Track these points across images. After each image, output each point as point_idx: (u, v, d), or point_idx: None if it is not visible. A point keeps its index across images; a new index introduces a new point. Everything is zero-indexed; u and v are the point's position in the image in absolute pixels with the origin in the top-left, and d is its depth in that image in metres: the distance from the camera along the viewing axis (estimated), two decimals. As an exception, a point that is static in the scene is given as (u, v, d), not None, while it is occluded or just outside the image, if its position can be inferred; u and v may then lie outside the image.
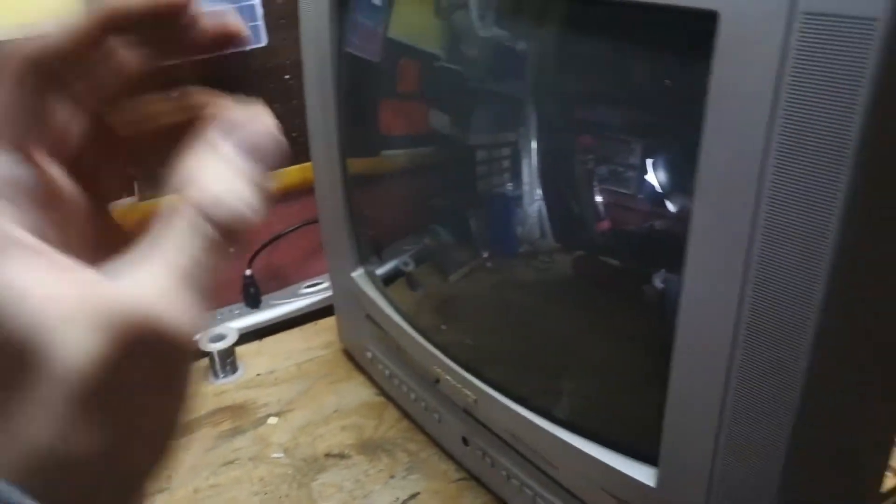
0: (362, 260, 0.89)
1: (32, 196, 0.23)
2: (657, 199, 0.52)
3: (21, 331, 0.18)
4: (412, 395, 0.83)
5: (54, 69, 0.25)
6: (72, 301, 0.19)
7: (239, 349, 1.04)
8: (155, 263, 0.21)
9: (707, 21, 0.39)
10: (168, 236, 0.22)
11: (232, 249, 0.23)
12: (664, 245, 0.52)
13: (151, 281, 0.21)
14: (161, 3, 0.26)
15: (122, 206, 1.04)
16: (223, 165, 0.24)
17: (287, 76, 1.07)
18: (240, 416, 0.93)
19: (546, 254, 0.63)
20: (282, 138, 0.26)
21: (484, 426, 0.71)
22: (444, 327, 0.76)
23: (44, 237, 0.21)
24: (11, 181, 0.22)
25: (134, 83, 0.27)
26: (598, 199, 0.56)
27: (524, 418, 0.64)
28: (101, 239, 0.27)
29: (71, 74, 0.25)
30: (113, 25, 0.25)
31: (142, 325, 0.20)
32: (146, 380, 0.21)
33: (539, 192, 0.60)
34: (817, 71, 0.36)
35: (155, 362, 0.21)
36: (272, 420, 0.92)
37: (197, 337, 0.22)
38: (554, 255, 0.63)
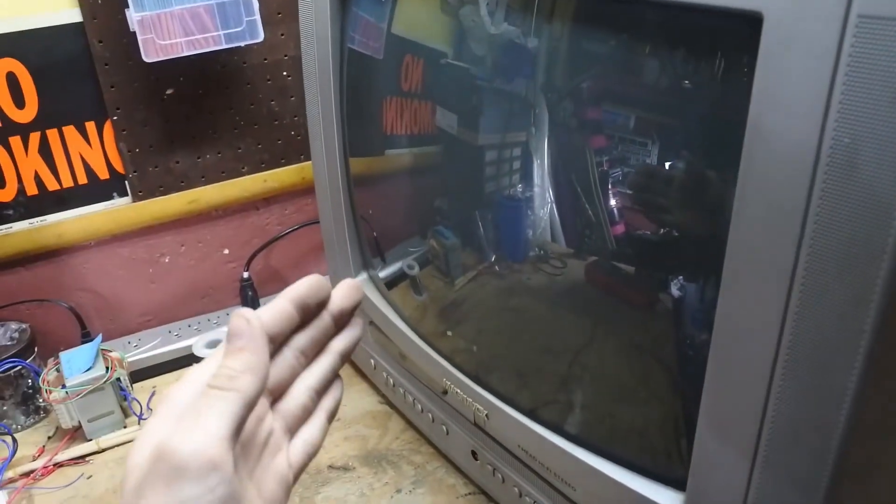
0: (365, 264, 0.86)
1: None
2: (676, 204, 0.49)
3: None
4: (418, 406, 0.80)
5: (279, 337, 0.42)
6: None
7: (237, 354, 1.01)
8: None
9: (750, 23, 0.36)
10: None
11: None
12: (683, 252, 0.49)
13: None
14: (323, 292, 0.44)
15: (118, 206, 0.99)
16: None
17: (285, 72, 1.03)
18: (239, 426, 0.90)
19: (557, 259, 0.60)
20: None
21: (494, 440, 0.68)
22: (449, 334, 0.73)
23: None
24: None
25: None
26: (613, 202, 0.53)
27: (539, 435, 0.61)
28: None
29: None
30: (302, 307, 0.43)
31: None
32: None
33: (550, 194, 0.57)
34: (873, 80, 0.33)
35: None
36: (272, 429, 0.89)
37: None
38: (566, 260, 0.60)
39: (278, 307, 0.41)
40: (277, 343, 0.42)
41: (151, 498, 0.34)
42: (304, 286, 0.43)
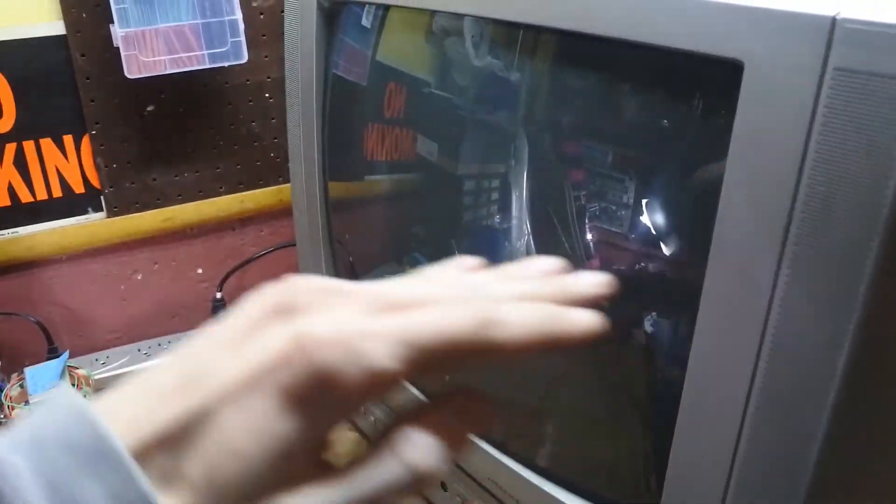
0: (340, 289, 0.85)
1: None
2: (651, 241, 0.50)
3: None
4: (388, 433, 0.80)
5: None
6: None
7: (206, 375, 1.00)
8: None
9: (731, 70, 0.37)
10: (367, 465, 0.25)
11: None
12: (658, 290, 0.50)
13: None
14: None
15: (92, 221, 0.98)
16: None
17: (267, 94, 1.03)
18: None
19: (532, 290, 0.60)
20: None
21: (464, 472, 0.68)
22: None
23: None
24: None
25: None
26: (589, 236, 0.53)
27: (509, 468, 0.60)
28: None
29: None
30: None
31: None
32: None
33: (527, 226, 0.58)
34: (849, 131, 0.33)
35: None
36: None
37: None
38: (540, 293, 0.60)
39: None
40: None
41: None
42: None
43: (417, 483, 0.25)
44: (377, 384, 0.24)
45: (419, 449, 0.25)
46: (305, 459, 0.25)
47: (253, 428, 0.23)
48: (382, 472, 0.25)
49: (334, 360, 0.23)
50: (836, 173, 0.34)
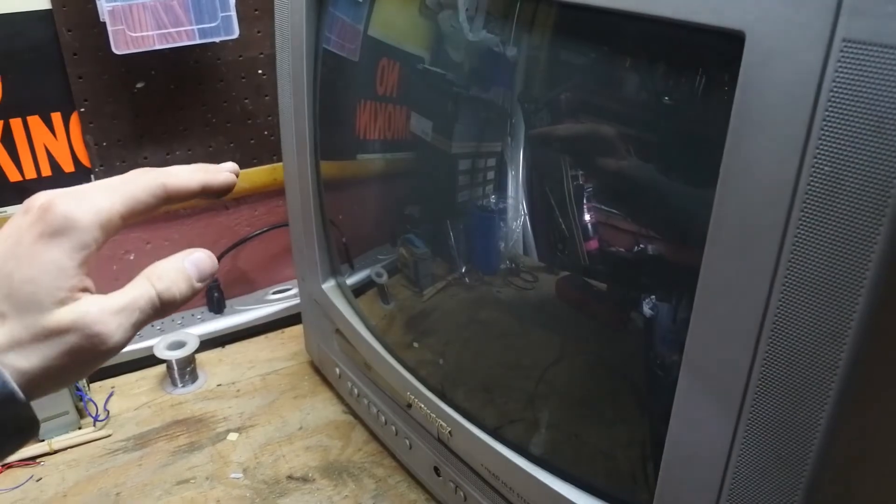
0: (333, 270, 0.84)
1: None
2: (649, 221, 0.48)
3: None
4: (382, 418, 0.79)
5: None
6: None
7: (200, 357, 0.99)
8: (112, 299, 0.38)
9: (731, 41, 0.35)
10: (131, 287, 0.39)
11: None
12: (657, 271, 0.48)
13: (105, 306, 0.37)
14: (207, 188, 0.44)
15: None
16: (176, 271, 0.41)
17: (260, 70, 1.01)
18: (198, 431, 0.88)
19: (529, 272, 0.58)
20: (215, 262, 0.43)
21: (458, 457, 0.67)
22: (416, 345, 0.72)
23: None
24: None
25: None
26: (587, 217, 0.51)
27: (503, 455, 0.59)
28: None
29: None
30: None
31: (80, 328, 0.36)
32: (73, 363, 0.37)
33: (524, 206, 0.56)
34: (857, 107, 0.31)
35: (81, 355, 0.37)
36: (232, 436, 0.86)
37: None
38: (537, 275, 0.58)
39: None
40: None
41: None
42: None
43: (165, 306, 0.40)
44: (104, 222, 0.37)
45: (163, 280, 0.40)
46: (74, 277, 0.36)
47: (31, 262, 0.35)
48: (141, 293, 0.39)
49: (70, 206, 0.36)
50: (843, 152, 0.32)
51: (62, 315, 0.35)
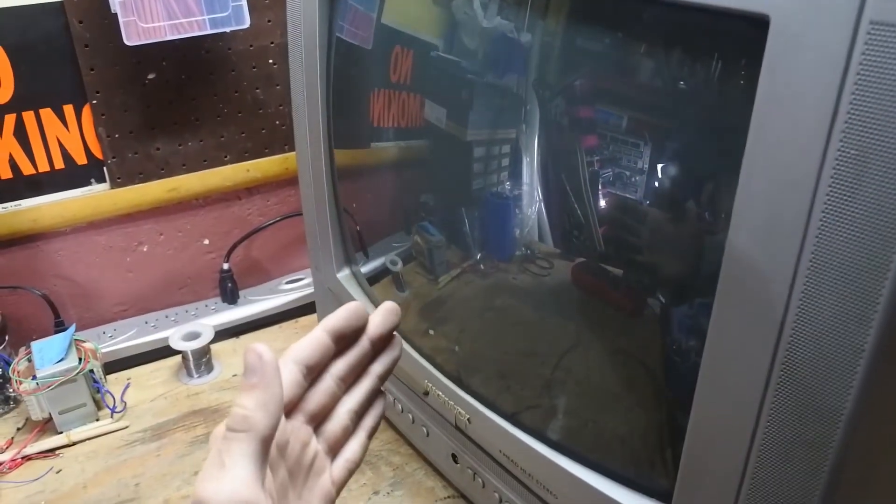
0: (347, 258, 0.84)
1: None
2: (668, 209, 0.48)
3: None
4: (398, 406, 0.79)
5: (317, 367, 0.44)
6: None
7: (214, 347, 0.99)
8: None
9: (755, 26, 0.35)
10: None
11: None
12: (675, 257, 0.48)
13: None
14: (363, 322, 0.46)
15: (96, 192, 0.97)
16: None
17: (271, 60, 1.01)
18: (215, 421, 0.88)
19: (544, 259, 0.58)
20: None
21: (476, 444, 0.67)
22: (431, 333, 0.72)
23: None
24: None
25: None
26: (603, 203, 0.51)
27: (521, 441, 0.59)
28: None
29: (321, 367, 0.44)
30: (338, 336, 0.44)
31: None
32: None
33: (539, 192, 0.56)
34: (885, 90, 0.31)
35: None
36: (248, 425, 0.87)
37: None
38: (553, 261, 0.58)
39: (314, 338, 0.43)
40: (315, 372, 0.44)
41: None
42: (341, 316, 0.44)
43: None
44: None
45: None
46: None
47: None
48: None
49: None
50: (870, 137, 0.32)
51: None
